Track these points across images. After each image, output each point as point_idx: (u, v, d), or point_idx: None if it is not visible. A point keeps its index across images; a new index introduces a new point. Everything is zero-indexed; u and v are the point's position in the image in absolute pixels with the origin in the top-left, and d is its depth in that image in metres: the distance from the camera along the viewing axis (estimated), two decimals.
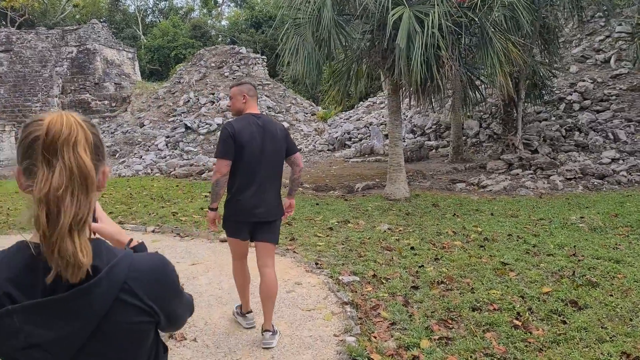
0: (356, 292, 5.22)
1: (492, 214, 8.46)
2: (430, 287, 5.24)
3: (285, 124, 21.02)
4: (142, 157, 18.66)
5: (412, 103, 12.33)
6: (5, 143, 24.60)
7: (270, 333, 3.93)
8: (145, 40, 49.32)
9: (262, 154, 3.78)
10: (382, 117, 18.89)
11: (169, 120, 25.54)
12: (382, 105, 20.79)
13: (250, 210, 3.79)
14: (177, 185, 13.40)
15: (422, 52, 7.94)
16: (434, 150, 15.89)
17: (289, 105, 25.21)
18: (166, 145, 19.13)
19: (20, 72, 31.75)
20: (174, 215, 9.24)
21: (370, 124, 18.58)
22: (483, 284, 5.31)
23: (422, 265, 5.91)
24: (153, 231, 7.94)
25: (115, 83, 32.52)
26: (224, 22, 59.63)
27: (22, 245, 1.14)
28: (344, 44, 9.45)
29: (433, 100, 10.42)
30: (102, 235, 1.37)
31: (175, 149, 18.53)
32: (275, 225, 3.96)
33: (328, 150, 17.97)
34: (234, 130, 3.74)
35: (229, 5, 61.50)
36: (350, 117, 21.75)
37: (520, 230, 7.41)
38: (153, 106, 28.01)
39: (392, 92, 9.53)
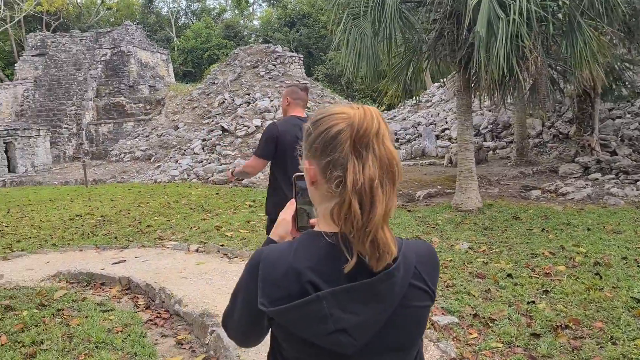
0: (459, 340, 4.12)
1: (588, 229, 7.21)
2: (554, 335, 4.10)
3: None
4: (178, 162, 17.86)
5: (483, 101, 11.12)
6: (41, 148, 24.20)
7: None
8: (178, 42, 48.99)
9: None
10: (431, 116, 17.66)
11: (204, 122, 24.78)
12: (428, 104, 19.56)
13: None
14: (217, 193, 12.47)
15: (505, 41, 6.77)
16: (491, 152, 14.62)
17: (328, 104, 24.16)
18: (202, 149, 18.30)
19: (55, 76, 31.51)
20: (217, 229, 8.27)
21: (419, 124, 17.38)
22: (621, 329, 4.14)
23: (532, 301, 4.76)
24: (197, 250, 6.96)
25: (149, 85, 32.02)
26: (255, 22, 59.05)
27: (313, 234, 1.16)
28: (407, 35, 8.33)
29: (509, 97, 9.19)
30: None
31: (212, 152, 17.68)
32: None
33: None
34: (277, 132, 3.77)
35: (261, 5, 60.88)
36: (395, 117, 20.57)
37: (634, 251, 6.17)
38: (187, 108, 27.32)
39: (462, 89, 8.36)
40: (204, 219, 9.32)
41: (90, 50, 32.51)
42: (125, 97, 30.53)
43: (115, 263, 6.53)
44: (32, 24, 43.59)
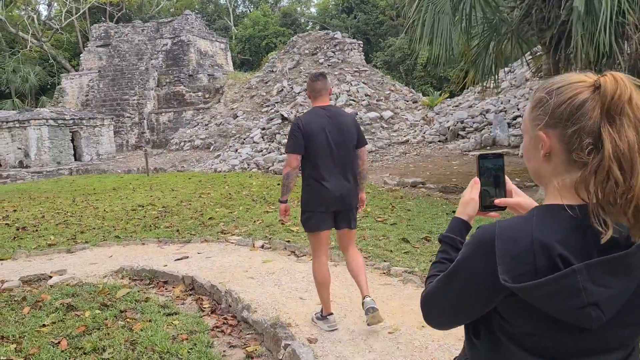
0: None
1: None
2: None
3: (388, 113, 19.33)
4: (238, 151, 17.67)
5: None
6: (105, 137, 24.67)
7: (370, 298, 3.89)
8: (236, 31, 49.16)
9: (334, 143, 3.86)
10: (501, 103, 16.68)
11: (263, 110, 24.57)
12: (497, 90, 18.54)
13: (334, 198, 3.86)
14: (279, 184, 12.10)
15: (607, 17, 5.98)
16: None
17: (388, 92, 23.43)
18: (262, 137, 18.04)
19: (118, 66, 32.11)
20: (282, 223, 7.86)
21: (487, 111, 16.45)
22: None
23: None
24: (262, 247, 6.57)
25: (208, 74, 32.17)
26: (313, 10, 58.57)
27: (552, 208, 1.13)
28: (487, 15, 7.60)
29: None
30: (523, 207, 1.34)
31: (272, 141, 17.38)
32: (354, 213, 4.05)
33: (439, 141, 16.08)
34: (302, 124, 3.84)
35: None
36: (460, 104, 19.65)
37: None
38: (246, 96, 27.21)
39: (552, 72, 7.57)
40: (267, 212, 8.95)
41: (152, 40, 32.95)
42: (184, 86, 30.77)
43: (178, 259, 6.23)
44: (97, 15, 44.71)
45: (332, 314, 4.03)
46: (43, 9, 47.95)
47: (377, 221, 7.60)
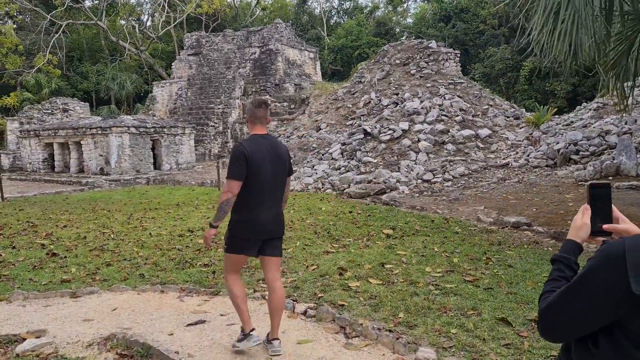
0: None
1: None
2: None
3: (485, 131, 17.03)
4: (314, 167, 16.16)
5: None
6: (185, 146, 24.15)
7: (279, 341, 4.01)
8: (328, 40, 48.18)
9: (271, 173, 3.95)
10: (625, 123, 13.95)
11: (347, 123, 23.00)
12: (625, 108, 15.71)
13: (266, 227, 3.95)
14: (351, 212, 10.38)
15: None
16: None
17: (486, 107, 21.02)
18: (341, 154, 16.42)
19: (207, 75, 31.91)
20: (340, 274, 6.12)
21: (607, 132, 13.79)
22: None
23: None
24: (305, 313, 4.88)
25: (295, 84, 31.15)
26: (409, 20, 56.48)
27: None
28: (637, 4, 5.48)
29: None
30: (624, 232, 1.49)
31: (352, 158, 15.70)
32: (281, 240, 4.21)
33: (546, 166, 13.63)
34: (246, 151, 3.84)
35: (415, 1, 58.11)
36: (572, 122, 16.94)
37: None
38: (331, 108, 25.80)
39: None
40: (328, 252, 7.25)
41: (241, 48, 32.51)
42: (270, 95, 29.92)
43: (191, 324, 4.69)
44: (193, 25, 45.43)
45: (254, 329, 4.02)
46: (145, 19, 49.59)
47: (465, 281, 5.67)
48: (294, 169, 18.36)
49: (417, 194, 12.28)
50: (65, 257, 7.67)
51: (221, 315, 4.90)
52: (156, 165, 22.93)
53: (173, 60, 36.49)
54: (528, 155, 14.55)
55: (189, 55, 34.12)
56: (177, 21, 42.06)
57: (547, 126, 16.99)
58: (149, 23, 48.66)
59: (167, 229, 9.66)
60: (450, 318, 4.64)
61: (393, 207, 10.73)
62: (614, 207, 1.54)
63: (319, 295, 5.42)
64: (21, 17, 43.35)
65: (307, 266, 6.56)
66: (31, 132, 24.42)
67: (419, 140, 15.62)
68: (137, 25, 44.63)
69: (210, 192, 15.91)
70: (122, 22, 44.90)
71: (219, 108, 29.48)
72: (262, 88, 30.50)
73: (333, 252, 7.27)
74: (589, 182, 1.57)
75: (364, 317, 4.73)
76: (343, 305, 5.07)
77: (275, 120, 28.06)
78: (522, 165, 14.04)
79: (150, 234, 9.19)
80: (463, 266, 6.22)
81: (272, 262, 4.11)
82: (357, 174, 14.17)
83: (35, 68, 35.56)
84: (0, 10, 38.52)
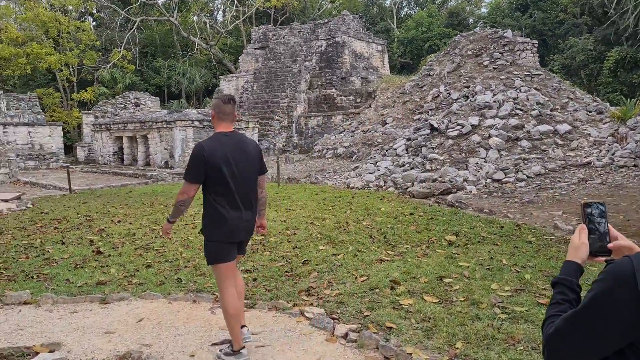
0: None
1: None
2: None
3: (565, 126, 15.64)
4: (377, 164, 15.42)
5: None
6: None
7: (247, 328, 4.06)
8: (398, 33, 46.96)
9: (238, 172, 3.77)
10: None
11: (414, 118, 22.03)
12: None
13: (241, 229, 3.85)
14: (412, 214, 9.60)
15: None
16: None
17: (566, 101, 19.42)
18: (406, 150, 15.57)
19: (273, 68, 31.75)
20: (393, 287, 5.42)
21: None
22: None
23: None
24: (345, 336, 4.23)
25: (361, 77, 30.39)
26: (483, 10, 54.16)
27: None
28: None
29: None
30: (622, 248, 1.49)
31: (416, 155, 14.83)
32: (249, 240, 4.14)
33: (634, 166, 12.23)
34: (204, 152, 3.69)
35: None
36: None
37: None
38: (398, 102, 24.87)
39: None
40: (382, 261, 6.56)
41: (307, 41, 32.10)
42: (336, 89, 29.34)
43: (216, 344, 4.17)
44: (262, 19, 45.53)
45: (244, 347, 3.85)
46: (215, 14, 50.26)
47: (538, 303, 4.83)
48: (353, 165, 17.74)
49: (486, 195, 11.31)
50: (109, 255, 7.42)
51: (252, 334, 4.34)
52: None
53: (241, 54, 36.62)
54: (613, 154, 13.16)
55: (255, 49, 34.10)
56: (246, 15, 42.24)
57: (635, 121, 15.38)
58: (221, 19, 49.26)
59: None
60: (518, 353, 3.85)
61: (458, 210, 9.84)
62: (610, 226, 1.54)
63: (365, 313, 4.76)
64: (99, 14, 45.01)
65: (357, 277, 5.90)
66: (102, 126, 25.09)
67: (489, 136, 14.53)
68: (207, 21, 45.22)
69: (269, 187, 15.54)
70: (194, 17, 45.66)
71: (284, 102, 29.21)
72: (327, 81, 29.97)
73: (387, 260, 6.57)
74: (583, 201, 1.50)
75: (414, 345, 4.03)
76: (391, 328, 4.39)
77: (341, 115, 27.47)
78: (606, 165, 12.69)
79: (198, 232, 8.82)
80: (536, 284, 5.36)
81: (236, 260, 4.02)
82: (422, 172, 13.32)
83: (111, 63, 36.72)
84: (80, 8, 40.09)
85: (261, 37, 34.18)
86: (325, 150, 22.50)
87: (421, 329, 4.38)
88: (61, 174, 22.38)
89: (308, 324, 4.54)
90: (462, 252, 6.80)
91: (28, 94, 29.46)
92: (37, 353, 4.06)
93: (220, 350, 3.89)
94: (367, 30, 35.92)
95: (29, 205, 13.27)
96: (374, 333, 4.21)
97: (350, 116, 26.90)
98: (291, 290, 5.56)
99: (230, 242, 3.80)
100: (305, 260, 6.71)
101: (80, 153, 28.97)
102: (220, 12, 50.48)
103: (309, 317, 4.66)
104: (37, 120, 27.37)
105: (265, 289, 5.63)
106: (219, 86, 34.63)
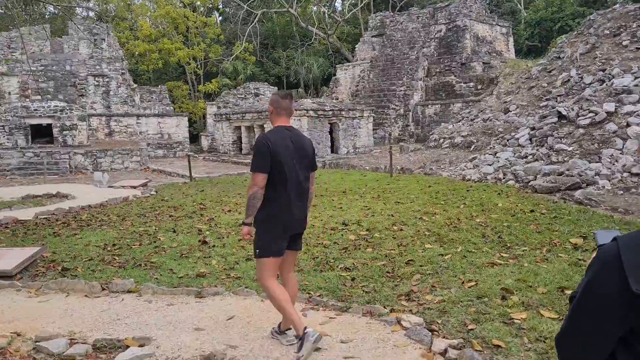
0: None
1: None
2: None
3: None
4: (497, 155, 14.41)
5: None
6: (363, 129, 23.72)
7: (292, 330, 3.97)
8: (525, 14, 43.98)
9: (297, 166, 3.80)
10: None
11: (540, 105, 20.36)
12: None
13: (296, 222, 3.85)
14: (532, 211, 8.72)
15: None
16: None
17: None
18: (529, 139, 14.36)
19: (390, 56, 31.13)
20: (504, 297, 4.81)
21: None
22: None
23: None
24: (444, 353, 3.76)
25: (483, 62, 28.78)
26: None
27: None
28: None
29: None
30: None
31: (541, 145, 13.59)
32: (302, 234, 4.13)
33: None
34: (270, 143, 3.70)
35: None
36: None
37: None
38: (523, 88, 23.19)
39: None
40: (494, 265, 5.93)
41: (426, 27, 31.03)
42: (455, 75, 28.08)
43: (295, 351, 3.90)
44: (380, 6, 44.84)
45: (307, 327, 3.72)
46: (334, 3, 50.36)
47: None
48: (471, 155, 16.75)
49: (622, 191, 10.02)
50: (214, 246, 7.48)
51: (342, 342, 4.03)
52: (333, 148, 22.88)
53: (358, 42, 36.33)
54: None
55: (372, 36, 33.62)
56: (364, 2, 41.84)
57: None
58: (338, 7, 49.32)
59: (322, 219, 9.09)
60: None
61: (587, 208, 8.78)
62: None
63: (470, 326, 4.24)
64: (224, 9, 47.01)
65: (464, 282, 5.36)
66: (223, 116, 26.10)
67: (628, 125, 12.93)
68: (326, 10, 45.42)
69: (381, 178, 15.16)
70: (313, 8, 46.11)
71: (401, 90, 28.52)
72: (446, 68, 28.78)
73: (500, 264, 5.93)
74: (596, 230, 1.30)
75: None
76: (499, 346, 3.85)
77: (460, 102, 26.24)
78: None
79: (312, 224, 8.68)
80: None
81: (292, 256, 4.08)
82: (547, 164, 12.17)
83: (233, 55, 38.20)
84: (207, 4, 42.13)
85: (378, 24, 33.63)
86: (441, 140, 21.58)
87: (535, 350, 3.79)
88: (186, 162, 23.66)
89: (404, 334, 4.13)
90: (589, 258, 5.95)
91: (159, 87, 31.49)
92: (127, 346, 4.06)
93: (295, 352, 3.72)
94: (490, 13, 33.97)
95: (152, 192, 14.04)
96: (478, 352, 3.70)
97: (470, 104, 25.60)
98: (390, 294, 5.16)
99: (283, 236, 3.79)
100: (409, 260, 6.26)
101: (204, 142, 30.46)
102: (339, 1, 50.49)
103: (405, 327, 4.24)
104: (165, 111, 29.18)
105: (363, 291, 5.29)
106: (335, 75, 34.66)
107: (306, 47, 42.94)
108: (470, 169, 14.16)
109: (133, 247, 7.55)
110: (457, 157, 18.10)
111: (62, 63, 27.34)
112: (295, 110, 21.27)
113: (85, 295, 5.37)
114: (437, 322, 4.37)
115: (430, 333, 4.06)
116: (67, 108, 22.91)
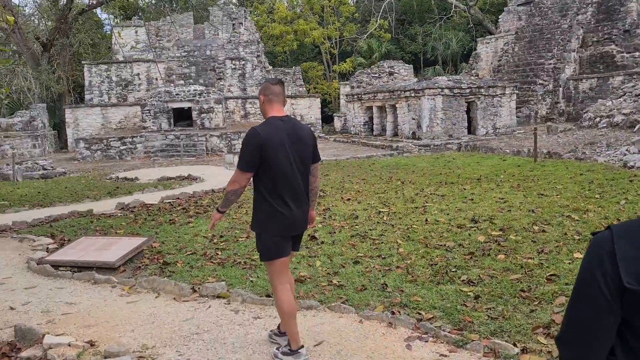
0: None
1: None
2: None
3: None
4: None
5: None
6: (504, 108, 21.65)
7: (305, 348, 3.63)
8: None
9: (294, 160, 3.53)
10: None
11: None
12: None
13: (297, 221, 3.59)
14: None
15: None
16: None
17: None
18: None
19: (538, 25, 28.20)
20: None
21: None
22: None
23: None
24: None
25: None
26: None
27: None
28: None
29: None
30: None
31: None
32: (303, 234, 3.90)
33: None
34: (259, 137, 3.43)
35: None
36: None
37: None
38: None
39: None
40: None
41: None
42: (616, 44, 24.59)
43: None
44: None
45: (303, 346, 3.56)
46: None
47: None
48: (635, 137, 14.28)
49: None
50: (322, 242, 6.80)
51: None
52: (470, 129, 21.18)
53: (502, 13, 33.49)
54: None
55: (518, 5, 30.71)
56: None
57: None
58: None
59: (449, 213, 8.01)
60: None
61: None
62: None
63: None
64: None
65: None
66: (355, 96, 25.45)
67: None
68: None
69: (524, 163, 13.51)
70: None
71: (550, 63, 25.66)
72: (605, 36, 25.31)
73: None
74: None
75: None
76: None
77: (622, 75, 22.92)
78: None
79: (426, 219, 7.68)
80: None
81: (290, 257, 3.80)
82: None
83: (368, 33, 37.30)
84: None
85: None
86: (597, 119, 18.92)
87: None
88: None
89: None
90: None
91: (293, 68, 31.65)
92: None
93: (278, 349, 3.61)
94: None
95: None
96: None
97: (634, 77, 22.21)
98: (523, 323, 4.05)
99: (284, 237, 3.54)
100: (551, 275, 5.04)
101: (337, 123, 30.12)
102: None
103: None
104: (298, 92, 29.22)
105: (488, 316, 4.23)
106: (475, 50, 32.33)
107: (444, 21, 40.67)
108: (633, 153, 12.00)
109: (239, 240, 7.12)
110: (617, 139, 15.65)
111: (203, 48, 28.45)
112: (429, 89, 19.94)
113: (174, 298, 4.96)
114: None
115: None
116: (205, 92, 23.71)
